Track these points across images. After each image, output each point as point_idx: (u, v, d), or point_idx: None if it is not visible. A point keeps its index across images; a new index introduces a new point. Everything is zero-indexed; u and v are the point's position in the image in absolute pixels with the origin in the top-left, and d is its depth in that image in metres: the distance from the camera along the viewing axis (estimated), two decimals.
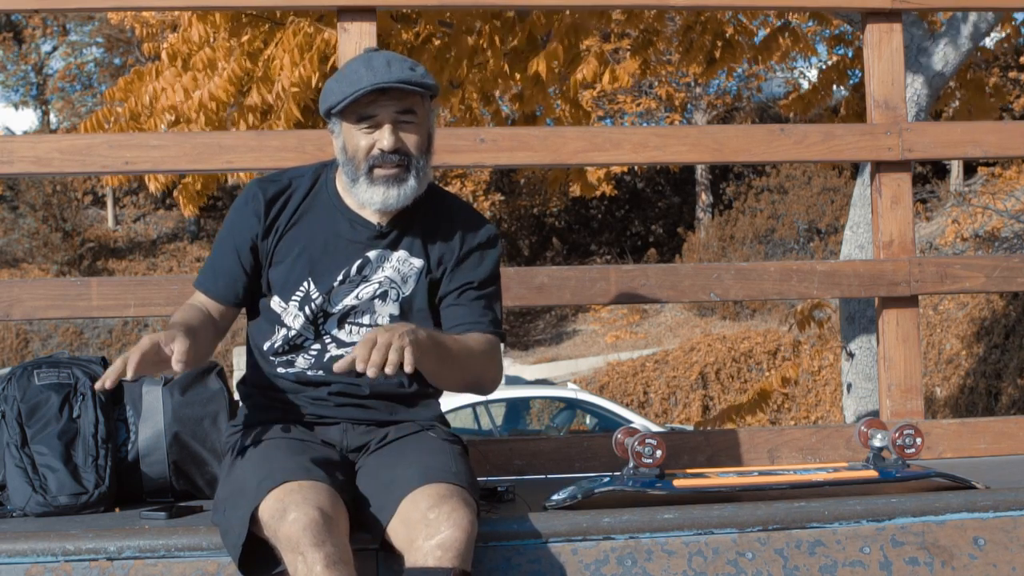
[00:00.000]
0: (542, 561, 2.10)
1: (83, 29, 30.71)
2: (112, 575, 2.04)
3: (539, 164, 2.96)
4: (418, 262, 2.22)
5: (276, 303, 2.20)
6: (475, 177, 24.31)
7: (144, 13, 7.80)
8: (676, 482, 2.23)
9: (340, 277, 2.19)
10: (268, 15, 5.34)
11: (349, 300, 2.19)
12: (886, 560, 2.18)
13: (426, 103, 2.19)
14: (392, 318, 2.20)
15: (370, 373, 1.86)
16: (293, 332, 2.19)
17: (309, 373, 2.19)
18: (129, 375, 1.88)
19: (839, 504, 2.20)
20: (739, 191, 25.07)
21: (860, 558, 2.18)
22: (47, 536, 2.06)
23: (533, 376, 19.44)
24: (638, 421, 11.01)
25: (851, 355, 5.33)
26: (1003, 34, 6.73)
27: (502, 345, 2.27)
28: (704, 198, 27.36)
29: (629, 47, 7.07)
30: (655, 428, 9.11)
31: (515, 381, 11.99)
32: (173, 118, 5.22)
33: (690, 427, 14.38)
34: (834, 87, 6.69)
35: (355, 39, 2.81)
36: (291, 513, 1.84)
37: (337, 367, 1.93)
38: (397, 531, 1.94)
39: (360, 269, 2.20)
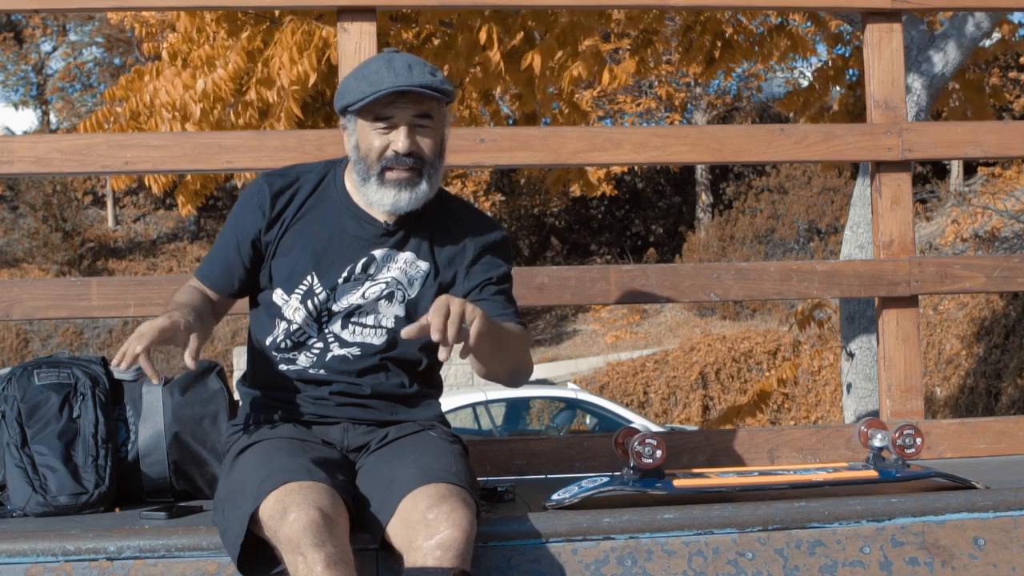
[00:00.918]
0: (542, 561, 2.10)
1: (83, 29, 30.73)
2: (112, 575, 2.04)
3: (539, 164, 2.96)
4: (424, 265, 2.22)
5: (278, 296, 2.20)
6: (475, 177, 24.31)
7: (144, 13, 7.80)
8: (676, 482, 2.23)
9: (345, 274, 2.19)
10: (267, 14, 5.34)
11: (355, 299, 2.19)
12: (886, 560, 2.18)
13: (443, 108, 2.19)
14: (397, 320, 2.21)
15: (442, 344, 1.87)
16: (295, 326, 2.19)
17: (311, 372, 2.19)
18: (124, 367, 1.91)
19: (839, 504, 2.20)
20: (739, 191, 25.07)
21: (860, 558, 2.18)
22: (47, 536, 2.05)
23: (533, 376, 19.40)
24: (638, 421, 11.01)
25: (851, 355, 5.33)
26: (999, 36, 6.73)
27: None
28: (704, 198, 27.36)
29: (629, 47, 7.07)
30: (655, 428, 9.12)
31: None
32: (172, 116, 5.22)
33: (691, 427, 14.39)
34: (833, 87, 6.69)
35: (355, 39, 2.81)
36: (291, 513, 1.84)
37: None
38: (397, 531, 1.94)
39: (365, 267, 2.20)
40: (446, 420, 2.31)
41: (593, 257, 27.59)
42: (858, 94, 6.39)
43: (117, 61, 30.30)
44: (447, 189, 2.43)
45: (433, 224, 2.24)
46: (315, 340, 2.20)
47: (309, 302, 2.19)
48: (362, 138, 2.16)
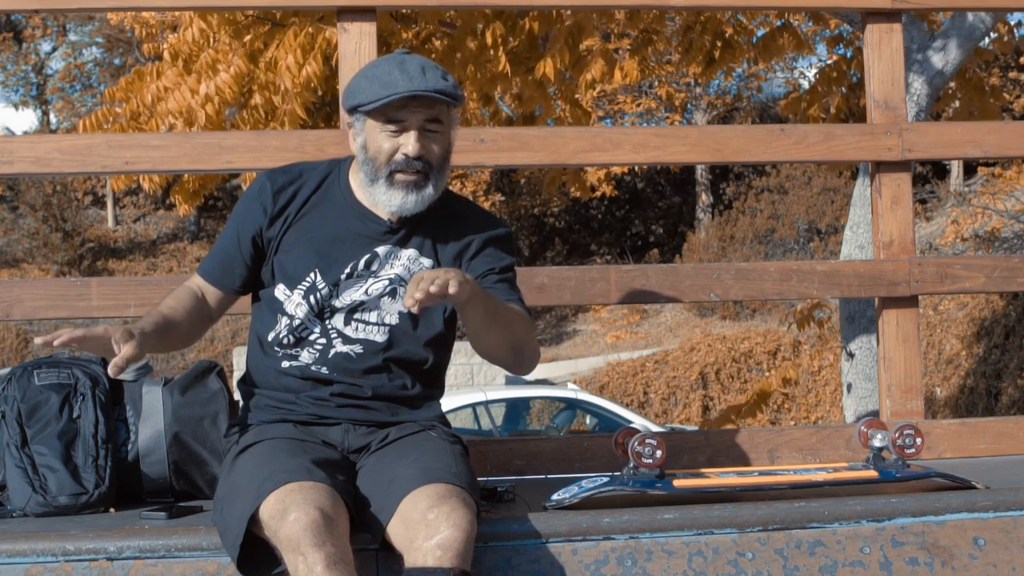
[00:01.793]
0: (542, 561, 2.10)
1: (83, 29, 30.72)
2: (112, 575, 2.04)
3: (539, 164, 2.96)
4: (427, 262, 2.23)
5: (281, 291, 2.20)
6: (475, 177, 24.31)
7: (144, 13, 7.80)
8: (676, 482, 2.23)
9: (347, 270, 2.20)
10: (268, 15, 5.34)
11: (357, 295, 2.20)
12: (886, 560, 2.18)
13: (452, 113, 2.20)
14: (400, 316, 2.21)
15: (413, 308, 1.89)
16: (297, 321, 2.19)
17: (313, 369, 2.19)
18: (56, 344, 1.89)
19: (839, 504, 2.20)
20: (739, 191, 25.07)
21: (860, 558, 2.18)
22: (47, 536, 2.06)
23: (533, 376, 19.43)
24: (638, 421, 11.02)
25: (851, 355, 5.33)
26: (997, 35, 6.73)
27: None
28: (704, 198, 27.36)
29: (629, 47, 7.07)
30: (655, 428, 9.12)
31: (515, 381, 11.99)
32: (178, 121, 5.22)
33: (691, 427, 14.39)
34: (832, 89, 6.69)
35: (355, 39, 2.81)
36: (292, 513, 1.84)
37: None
38: (397, 531, 1.94)
39: (368, 264, 2.21)
40: (447, 420, 2.31)
41: (593, 257, 27.59)
42: (858, 95, 6.39)
43: (117, 61, 30.30)
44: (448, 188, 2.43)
45: (436, 222, 2.24)
46: (317, 336, 2.19)
47: (311, 297, 2.19)
48: (371, 139, 2.16)
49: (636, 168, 25.03)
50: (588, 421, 11.34)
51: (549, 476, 2.73)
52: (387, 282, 2.21)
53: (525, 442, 2.82)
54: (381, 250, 2.21)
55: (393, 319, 2.21)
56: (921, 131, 2.98)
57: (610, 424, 10.76)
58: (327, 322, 2.20)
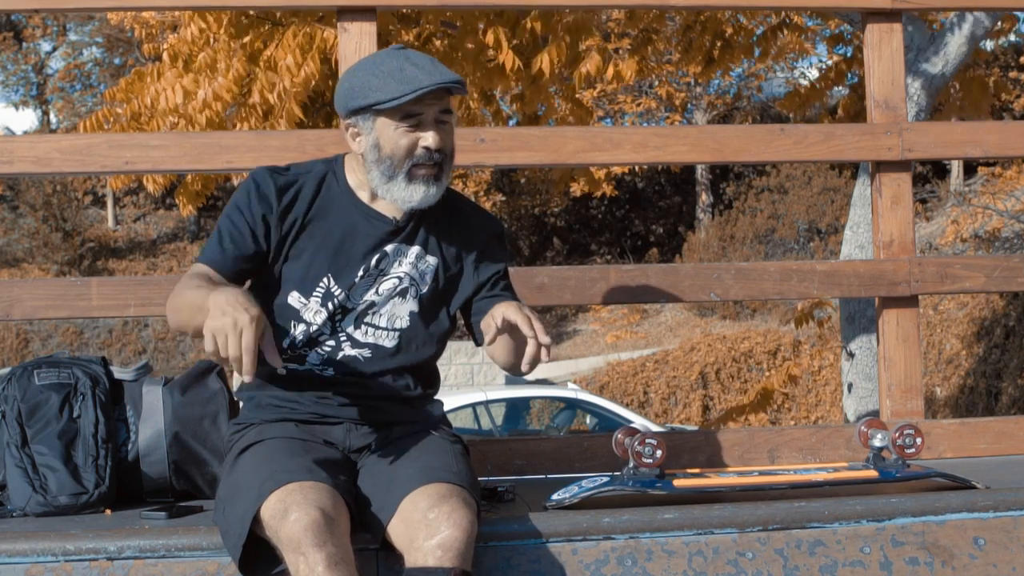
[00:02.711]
0: (542, 561, 2.10)
1: (83, 29, 30.72)
2: (112, 575, 2.04)
3: (539, 164, 2.96)
4: (433, 260, 2.24)
5: (295, 299, 2.18)
6: (475, 177, 24.31)
7: (144, 13, 7.80)
8: (676, 482, 2.23)
9: (360, 272, 2.19)
10: (268, 15, 5.34)
11: (369, 296, 2.20)
12: (886, 560, 2.18)
13: (453, 104, 2.20)
14: (411, 315, 2.21)
15: (539, 347, 1.98)
16: (315, 327, 2.18)
17: (318, 369, 2.19)
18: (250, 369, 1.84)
19: (839, 504, 2.20)
20: (739, 191, 25.07)
21: (860, 558, 2.18)
22: (47, 536, 2.05)
23: (533, 376, 19.41)
24: (638, 421, 11.01)
25: (851, 355, 5.33)
26: (1000, 30, 6.72)
27: None
28: (704, 198, 27.36)
29: (629, 46, 7.08)
30: (655, 428, 9.12)
31: (515, 381, 12.00)
32: (176, 120, 5.22)
33: (691, 427, 14.39)
34: (833, 87, 6.69)
35: (355, 39, 2.81)
36: (293, 513, 1.84)
37: (489, 337, 2.02)
38: (397, 531, 1.94)
39: (378, 263, 2.20)
40: (447, 420, 2.32)
41: (593, 257, 27.59)
42: (860, 94, 6.39)
43: (117, 61, 30.29)
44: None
45: (437, 218, 2.24)
46: (327, 338, 2.19)
47: (329, 304, 2.18)
48: (385, 137, 2.13)
49: (636, 168, 25.04)
50: (588, 421, 11.34)
51: (549, 476, 2.73)
52: (397, 280, 2.21)
53: (525, 442, 2.82)
54: (389, 248, 2.21)
55: (403, 321, 2.21)
56: (921, 131, 2.98)
57: (610, 424, 10.76)
58: (338, 325, 2.19)
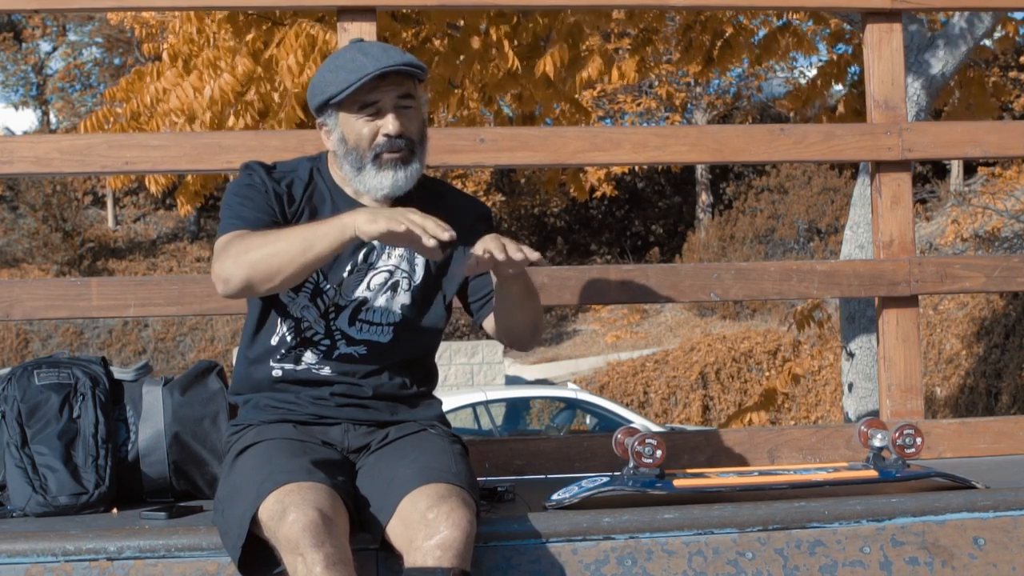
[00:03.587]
0: (542, 561, 2.10)
1: (83, 29, 30.72)
2: (112, 575, 2.04)
3: (539, 164, 2.96)
4: None
5: (284, 294, 2.19)
6: (475, 177, 24.32)
7: (144, 13, 7.80)
8: (676, 482, 2.23)
9: (349, 267, 2.20)
10: (268, 15, 5.34)
11: (360, 292, 2.20)
12: (886, 560, 2.18)
13: (419, 88, 2.21)
14: (404, 308, 2.21)
15: (474, 266, 2.02)
16: (304, 324, 2.19)
17: (315, 369, 2.19)
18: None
19: (839, 504, 2.20)
20: (739, 191, 25.07)
21: (860, 558, 2.18)
22: (47, 536, 2.05)
23: (533, 376, 19.45)
24: (638, 421, 11.01)
25: (851, 355, 5.33)
26: (1003, 32, 6.72)
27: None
28: (704, 198, 27.36)
29: (629, 46, 7.07)
30: (655, 428, 9.12)
31: (515, 381, 12.00)
32: (180, 120, 5.22)
33: (691, 427, 14.38)
34: (833, 84, 6.69)
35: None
36: (291, 514, 1.83)
37: (469, 269, 2.05)
38: (396, 531, 1.94)
39: (366, 257, 2.21)
40: (446, 420, 2.31)
41: (593, 257, 27.59)
42: (860, 91, 6.38)
43: (117, 61, 30.30)
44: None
45: (421, 206, 2.23)
46: (322, 337, 2.19)
47: (318, 299, 2.19)
48: (348, 130, 2.16)
49: (636, 168, 25.03)
50: (588, 421, 11.34)
51: (549, 476, 2.72)
52: (387, 274, 2.21)
53: (525, 442, 2.82)
54: (377, 242, 2.21)
55: (397, 316, 2.21)
56: (921, 131, 2.98)
57: (610, 424, 10.76)
58: (332, 323, 2.19)
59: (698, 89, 26.01)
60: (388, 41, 5.50)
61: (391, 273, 2.21)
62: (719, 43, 6.44)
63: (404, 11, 5.69)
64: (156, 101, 5.33)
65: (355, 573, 1.85)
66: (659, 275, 2.87)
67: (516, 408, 11.67)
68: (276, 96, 5.24)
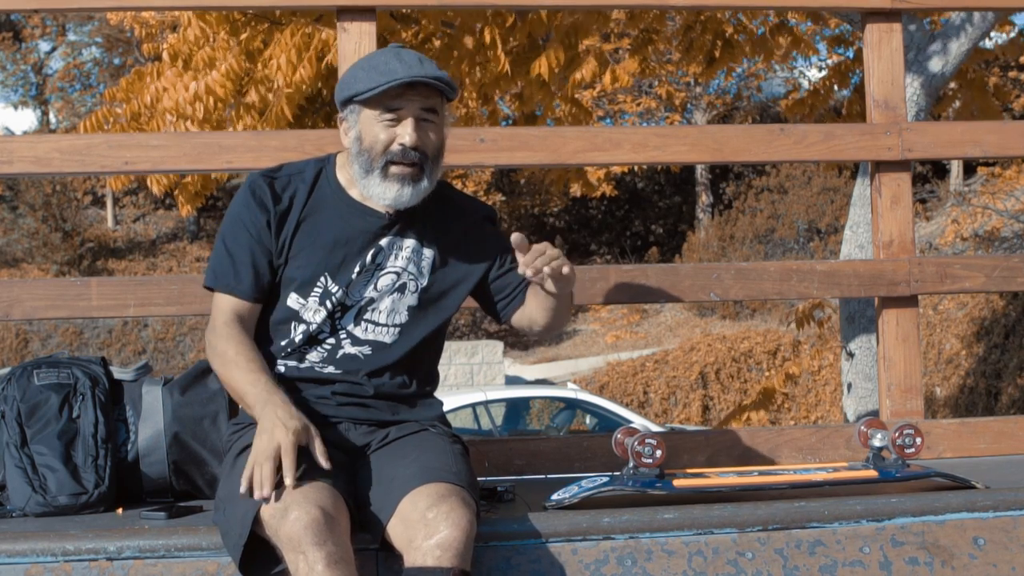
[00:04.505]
0: (542, 561, 2.10)
1: (82, 29, 30.70)
2: (112, 575, 2.04)
3: (539, 164, 2.96)
4: (429, 252, 2.25)
5: (294, 300, 2.19)
6: (475, 177, 24.31)
7: (144, 13, 7.80)
8: (676, 482, 2.23)
9: (357, 268, 2.20)
10: (267, 15, 5.34)
11: (368, 292, 2.20)
12: (886, 560, 2.18)
13: (445, 106, 2.21)
14: (411, 310, 2.22)
15: (532, 276, 2.07)
16: (314, 327, 2.19)
17: (317, 368, 2.19)
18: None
19: (839, 504, 2.20)
20: (739, 191, 25.07)
21: (860, 558, 2.18)
22: (47, 536, 2.05)
23: (533, 376, 19.45)
24: (638, 421, 11.00)
25: (851, 355, 5.33)
26: (1007, 35, 6.72)
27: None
28: (704, 198, 27.36)
29: (629, 46, 7.07)
30: (655, 428, 9.12)
31: (515, 381, 12.00)
32: (174, 118, 5.22)
33: (691, 427, 14.38)
34: (836, 91, 6.69)
35: (355, 39, 2.81)
36: (292, 512, 1.84)
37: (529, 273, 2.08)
38: (396, 530, 1.94)
39: (374, 258, 2.21)
40: (446, 420, 2.32)
41: (593, 257, 27.58)
42: (863, 94, 6.38)
43: (117, 61, 30.29)
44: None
45: (429, 209, 2.25)
46: (327, 336, 2.20)
47: (327, 302, 2.19)
48: (366, 130, 2.15)
49: (636, 168, 25.03)
50: (588, 421, 11.34)
51: (549, 476, 2.72)
52: (395, 275, 2.21)
53: (525, 442, 2.82)
54: (384, 242, 2.22)
55: (403, 317, 2.22)
56: (921, 131, 2.98)
57: (610, 424, 10.76)
58: (338, 323, 2.20)
59: (698, 89, 26.01)
60: (388, 40, 5.50)
61: (398, 275, 2.22)
62: (720, 43, 6.43)
63: (404, 11, 5.69)
64: (155, 101, 5.33)
65: (356, 572, 1.85)
66: (659, 275, 2.87)
67: (516, 408, 11.67)
68: (271, 96, 5.24)
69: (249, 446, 2.08)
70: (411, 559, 1.88)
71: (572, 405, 11.51)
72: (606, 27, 6.67)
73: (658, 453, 2.18)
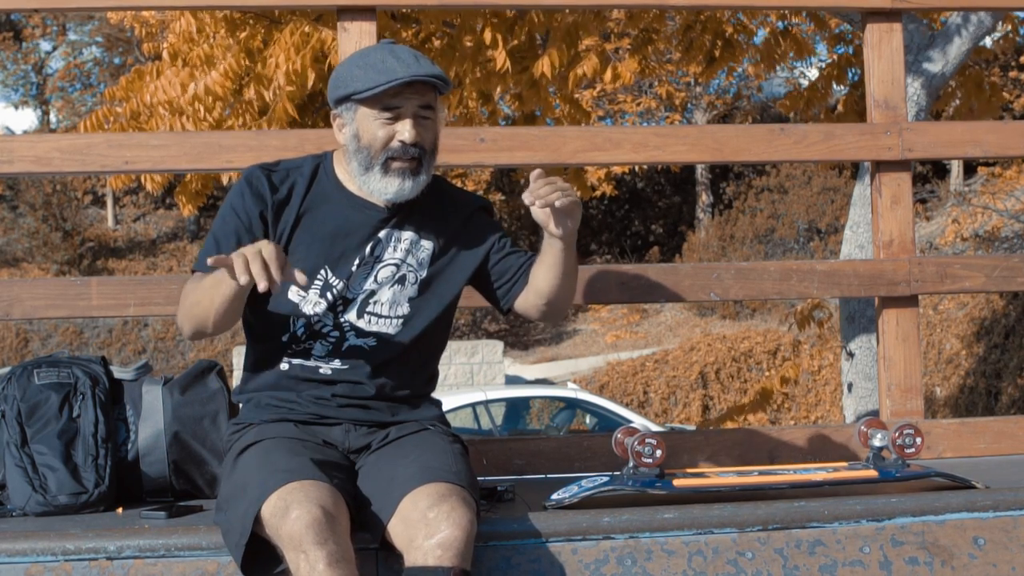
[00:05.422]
0: (542, 561, 2.10)
1: (83, 29, 30.71)
2: (112, 575, 2.04)
3: (539, 164, 2.96)
4: (428, 244, 2.26)
5: (294, 293, 2.20)
6: (475, 177, 24.30)
7: (144, 13, 7.79)
8: (676, 482, 2.23)
9: (357, 260, 2.21)
10: (267, 14, 5.34)
11: (368, 284, 2.21)
12: (886, 560, 2.18)
13: (439, 101, 2.22)
14: (413, 301, 2.23)
15: (536, 203, 2.06)
16: (315, 319, 2.20)
17: (323, 363, 2.19)
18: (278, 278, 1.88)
19: (839, 504, 2.20)
20: (739, 191, 25.06)
21: (860, 558, 2.18)
22: (47, 536, 2.05)
23: (533, 376, 19.44)
24: (638, 421, 11.00)
25: (851, 355, 5.33)
26: (1005, 31, 6.72)
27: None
28: (704, 198, 27.36)
29: (629, 46, 7.07)
30: (655, 428, 9.11)
31: (515, 381, 12.00)
32: (171, 115, 5.21)
33: (691, 427, 14.38)
34: (833, 86, 6.68)
35: (355, 38, 2.81)
36: (294, 511, 1.84)
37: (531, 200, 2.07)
38: (397, 530, 1.94)
39: (373, 250, 2.22)
40: (446, 420, 2.32)
41: (593, 257, 27.57)
42: (861, 92, 6.38)
43: (117, 61, 30.28)
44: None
45: (426, 202, 2.26)
46: (331, 329, 2.20)
47: (328, 294, 2.20)
48: (364, 127, 2.16)
49: (636, 168, 25.03)
50: (588, 421, 11.34)
51: (549, 476, 2.72)
52: (394, 267, 2.22)
53: (525, 442, 2.82)
54: (382, 234, 2.23)
55: (405, 309, 2.23)
56: (921, 130, 2.98)
57: (610, 424, 10.76)
58: (340, 316, 2.20)
59: (698, 89, 26.00)
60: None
61: (397, 267, 2.23)
62: (720, 43, 6.43)
63: (404, 11, 5.69)
64: (155, 99, 5.33)
65: (357, 571, 1.85)
66: (659, 275, 2.87)
67: (516, 408, 11.67)
68: (270, 95, 5.24)
69: (250, 446, 2.09)
70: (411, 558, 1.88)
71: (572, 405, 11.51)
72: (604, 26, 6.67)
73: (658, 453, 2.18)
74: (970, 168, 22.60)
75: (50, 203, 25.73)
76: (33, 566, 2.04)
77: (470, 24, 5.65)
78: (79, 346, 22.11)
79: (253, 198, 2.19)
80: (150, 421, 2.42)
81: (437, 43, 5.89)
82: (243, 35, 5.26)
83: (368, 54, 2.18)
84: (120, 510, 2.32)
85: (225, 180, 5.63)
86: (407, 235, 2.24)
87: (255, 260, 1.86)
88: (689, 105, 26.79)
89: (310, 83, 5.03)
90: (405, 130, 2.14)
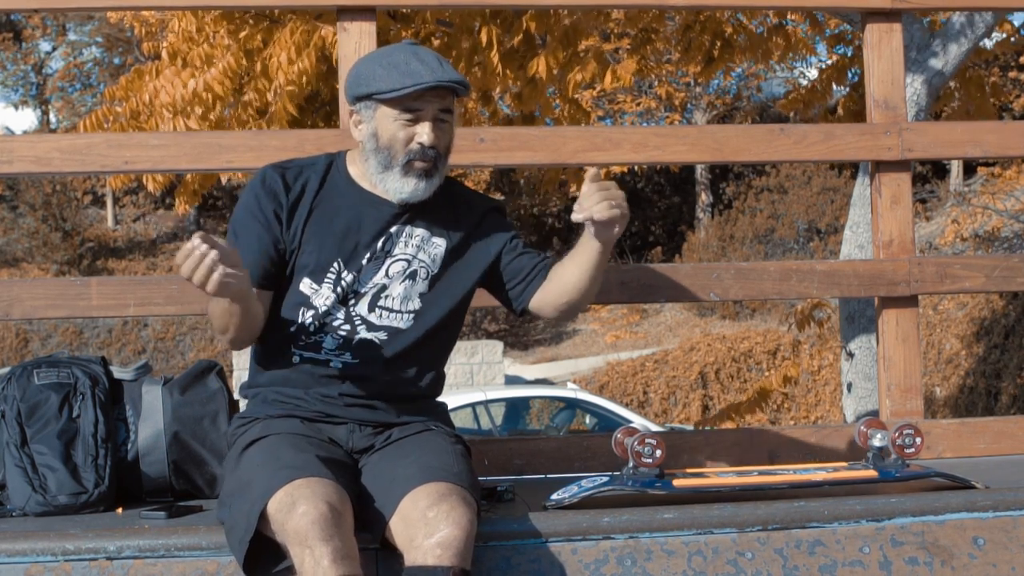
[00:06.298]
0: (542, 561, 2.10)
1: (82, 29, 30.70)
2: (112, 575, 2.04)
3: (539, 164, 2.96)
4: (440, 241, 2.27)
5: (306, 285, 2.21)
6: (475, 177, 24.30)
7: (144, 13, 7.80)
8: (676, 482, 2.23)
9: (368, 254, 2.22)
10: (267, 13, 5.34)
11: (379, 278, 2.22)
12: (886, 560, 2.18)
13: (455, 105, 2.24)
14: (424, 297, 2.24)
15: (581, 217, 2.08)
16: (324, 310, 2.20)
17: (333, 356, 2.19)
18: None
19: (839, 504, 2.20)
20: (739, 191, 25.06)
21: (860, 558, 2.18)
22: (47, 536, 2.05)
23: (533, 376, 19.44)
24: (638, 421, 11.00)
25: (851, 355, 5.33)
26: (1003, 36, 6.72)
27: None
28: (704, 198, 27.36)
29: (628, 46, 7.07)
30: (655, 428, 9.11)
31: (515, 381, 12.00)
32: (171, 114, 5.21)
33: (690, 427, 14.38)
34: (834, 86, 6.68)
35: (355, 38, 2.81)
36: (300, 507, 1.84)
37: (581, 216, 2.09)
38: (397, 529, 1.95)
39: (384, 245, 2.23)
40: (450, 421, 2.32)
41: None
42: (860, 93, 6.38)
43: (117, 61, 30.28)
44: None
45: (437, 200, 2.27)
46: (342, 322, 2.20)
47: (339, 287, 2.20)
48: (383, 127, 2.17)
49: (636, 168, 25.03)
50: (588, 421, 11.34)
51: (549, 476, 2.72)
52: (405, 263, 2.23)
53: (525, 442, 2.83)
54: (393, 230, 2.24)
55: (416, 303, 2.24)
56: (921, 131, 2.98)
57: (610, 424, 10.76)
58: (351, 309, 2.21)
59: (698, 89, 26.00)
60: (387, 40, 5.50)
61: (409, 262, 2.24)
62: (719, 43, 6.43)
63: (404, 11, 5.68)
64: (154, 99, 5.32)
65: (361, 568, 1.85)
66: (659, 275, 2.87)
67: (516, 408, 11.67)
68: (270, 95, 5.23)
69: (255, 441, 2.09)
70: (411, 558, 1.88)
71: (572, 405, 11.51)
72: (604, 25, 6.67)
73: (658, 453, 2.18)
74: (970, 168, 22.60)
75: (50, 203, 25.72)
76: (33, 566, 2.04)
77: (468, 24, 5.65)
78: (79, 346, 22.10)
79: (268, 197, 2.21)
80: (150, 421, 2.42)
81: (436, 43, 5.89)
82: (243, 35, 5.25)
83: (392, 54, 2.18)
84: (120, 510, 2.32)
85: (224, 180, 5.62)
86: (419, 231, 2.25)
87: (193, 266, 1.90)
88: (689, 105, 26.79)
89: (311, 81, 5.03)
90: (425, 133, 2.16)
